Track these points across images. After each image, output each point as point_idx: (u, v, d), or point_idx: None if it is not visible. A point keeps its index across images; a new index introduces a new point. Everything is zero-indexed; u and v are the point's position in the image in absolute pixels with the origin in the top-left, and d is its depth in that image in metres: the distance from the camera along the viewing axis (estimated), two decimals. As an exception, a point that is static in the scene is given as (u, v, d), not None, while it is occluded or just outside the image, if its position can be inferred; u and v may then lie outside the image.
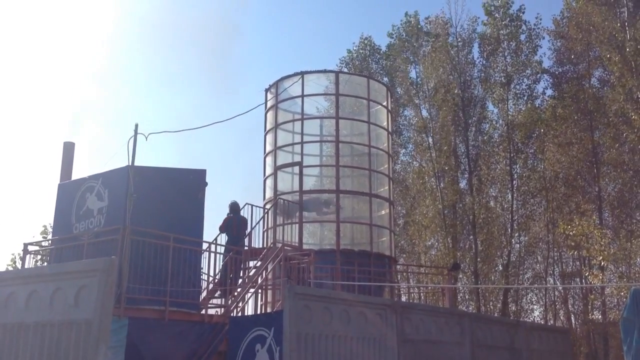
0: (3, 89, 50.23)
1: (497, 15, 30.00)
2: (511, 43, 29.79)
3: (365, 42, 36.30)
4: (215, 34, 55.66)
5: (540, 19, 30.38)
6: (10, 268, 20.23)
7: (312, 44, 60.48)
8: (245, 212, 14.38)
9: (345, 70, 33.58)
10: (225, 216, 13.79)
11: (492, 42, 30.09)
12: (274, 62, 58.69)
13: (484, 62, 30.61)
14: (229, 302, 12.14)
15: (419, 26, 32.27)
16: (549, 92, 30.39)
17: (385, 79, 33.11)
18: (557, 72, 30.46)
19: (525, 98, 29.89)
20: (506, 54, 29.91)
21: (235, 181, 57.28)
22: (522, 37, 29.96)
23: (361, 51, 35.95)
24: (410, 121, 33.25)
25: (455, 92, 29.83)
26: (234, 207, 13.85)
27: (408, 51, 32.12)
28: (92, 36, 54.14)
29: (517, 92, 29.85)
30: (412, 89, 31.51)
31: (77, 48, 54.17)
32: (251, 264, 13.90)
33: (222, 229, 13.53)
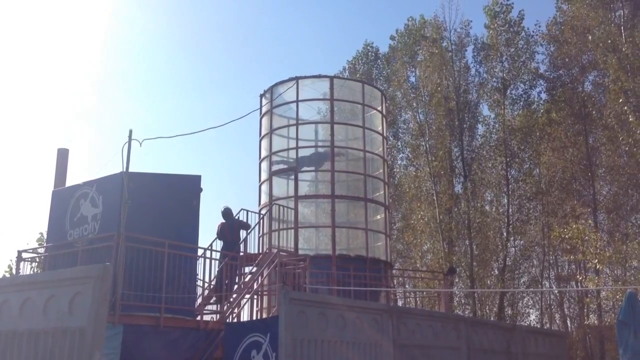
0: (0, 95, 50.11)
1: (498, 21, 29.95)
2: (510, 49, 29.77)
3: (368, 48, 36.34)
4: (214, 39, 55.75)
5: (540, 26, 30.48)
6: (7, 275, 20.12)
7: (308, 50, 60.57)
8: (240, 218, 14.40)
9: (345, 74, 33.68)
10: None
11: (487, 47, 30.12)
12: (271, 68, 58.74)
13: (477, 66, 30.68)
14: (225, 308, 12.11)
15: (422, 31, 32.03)
16: (544, 96, 30.49)
17: (385, 85, 33.15)
18: (551, 77, 30.52)
19: (522, 103, 29.92)
20: (503, 59, 29.90)
21: (232, 187, 57.25)
22: (521, 43, 29.95)
23: (363, 56, 36.08)
24: (408, 125, 33.23)
25: (451, 96, 29.83)
26: (226, 213, 13.86)
27: (407, 55, 32.04)
28: (89, 42, 54.13)
29: (515, 97, 29.90)
30: (410, 93, 31.46)
31: (74, 54, 54.14)
32: (247, 269, 13.89)
33: (218, 235, 13.57)
